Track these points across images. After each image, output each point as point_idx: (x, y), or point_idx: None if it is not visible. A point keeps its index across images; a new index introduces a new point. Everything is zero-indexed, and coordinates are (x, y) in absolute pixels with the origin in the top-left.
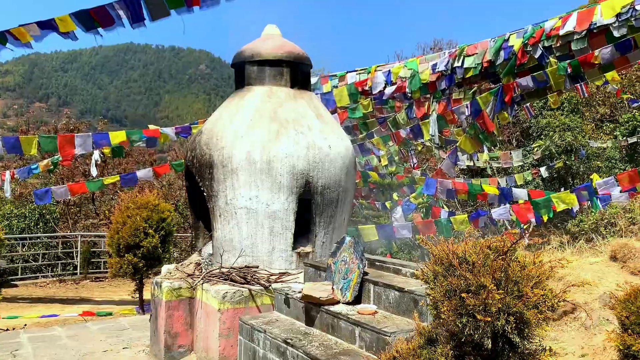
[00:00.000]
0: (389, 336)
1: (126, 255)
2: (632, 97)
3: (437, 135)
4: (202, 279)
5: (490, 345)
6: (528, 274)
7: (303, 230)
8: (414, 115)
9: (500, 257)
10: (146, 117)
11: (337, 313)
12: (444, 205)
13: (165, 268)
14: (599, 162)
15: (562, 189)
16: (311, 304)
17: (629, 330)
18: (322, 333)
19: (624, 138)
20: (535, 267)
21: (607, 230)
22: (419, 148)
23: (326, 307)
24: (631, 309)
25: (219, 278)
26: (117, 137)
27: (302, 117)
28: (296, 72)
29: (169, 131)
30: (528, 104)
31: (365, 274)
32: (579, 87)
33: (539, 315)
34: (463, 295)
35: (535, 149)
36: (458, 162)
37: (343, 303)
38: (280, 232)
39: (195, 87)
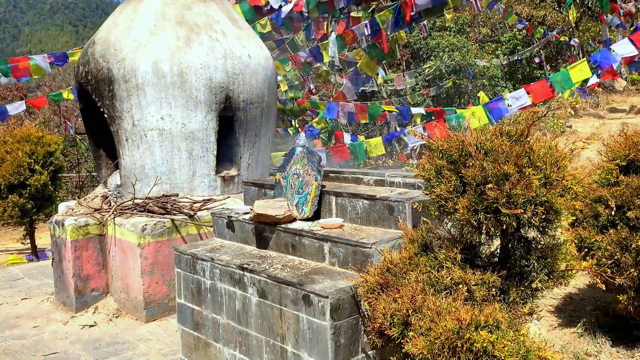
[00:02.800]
0: (369, 247)
1: (10, 196)
2: (518, 17)
3: (337, 57)
4: (113, 213)
5: (503, 245)
6: (552, 158)
7: (225, 153)
8: (313, 37)
9: (517, 143)
10: (4, 52)
11: (299, 230)
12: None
13: (63, 205)
14: (484, 81)
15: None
16: (263, 224)
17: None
18: (281, 255)
19: (505, 57)
20: (555, 152)
21: None
22: (319, 70)
23: (283, 225)
24: None
25: (133, 210)
26: None
27: (214, 21)
28: None
29: (40, 60)
30: (425, 22)
31: (322, 186)
32: (474, 2)
33: (568, 203)
34: (489, 186)
35: (427, 70)
36: (360, 85)
37: (300, 220)
38: (200, 155)
39: (59, 18)
